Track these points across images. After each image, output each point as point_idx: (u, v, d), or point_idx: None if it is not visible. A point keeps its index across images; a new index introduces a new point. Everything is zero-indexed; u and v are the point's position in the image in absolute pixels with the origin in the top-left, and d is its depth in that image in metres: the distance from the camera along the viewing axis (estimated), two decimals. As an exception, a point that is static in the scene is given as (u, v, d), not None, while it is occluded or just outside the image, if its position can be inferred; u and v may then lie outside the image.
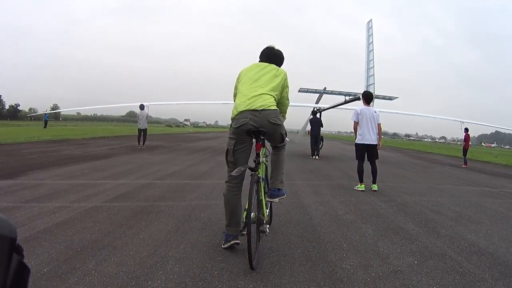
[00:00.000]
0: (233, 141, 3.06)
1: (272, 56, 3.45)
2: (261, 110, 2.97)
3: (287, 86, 3.39)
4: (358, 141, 6.96)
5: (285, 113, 3.61)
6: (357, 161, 7.04)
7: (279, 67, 3.46)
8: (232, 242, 3.08)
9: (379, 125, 6.97)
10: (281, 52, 3.52)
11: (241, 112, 3.00)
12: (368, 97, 7.21)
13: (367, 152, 6.93)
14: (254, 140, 3.11)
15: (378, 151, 7.11)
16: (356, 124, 6.97)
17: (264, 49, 3.48)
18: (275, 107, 3.09)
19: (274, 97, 3.14)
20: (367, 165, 6.93)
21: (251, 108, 2.98)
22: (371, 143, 6.87)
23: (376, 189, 6.78)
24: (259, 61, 3.46)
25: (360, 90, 15.39)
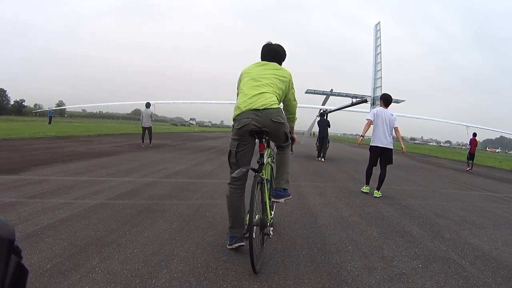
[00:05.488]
0: (235, 142, 3.00)
1: (271, 52, 3.35)
2: (263, 109, 2.91)
3: (293, 87, 3.33)
4: (372, 143, 6.72)
5: (295, 114, 3.52)
6: (368, 162, 6.88)
7: (282, 61, 3.40)
8: (236, 245, 3.07)
9: (396, 128, 6.69)
10: (280, 46, 3.39)
11: (243, 112, 2.94)
12: (386, 100, 6.88)
13: (380, 156, 6.68)
14: (257, 140, 3.07)
15: (402, 153, 6.95)
16: (370, 122, 6.71)
17: (262, 48, 3.37)
18: (277, 106, 3.02)
19: (276, 95, 3.07)
20: (375, 168, 6.82)
21: (253, 108, 2.92)
22: (386, 147, 6.59)
23: (379, 195, 6.49)
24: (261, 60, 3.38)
25: (367, 92, 15.39)
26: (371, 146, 6.80)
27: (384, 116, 6.62)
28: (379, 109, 6.79)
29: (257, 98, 2.95)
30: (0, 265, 0.49)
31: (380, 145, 6.62)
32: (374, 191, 6.60)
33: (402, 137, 7.01)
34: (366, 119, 6.87)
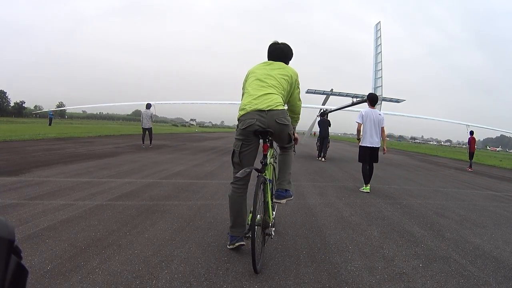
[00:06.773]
0: (239, 143, 3.01)
1: (277, 52, 3.32)
2: (268, 110, 2.90)
3: (298, 87, 3.31)
4: (362, 143, 6.97)
5: (299, 114, 3.51)
6: (361, 163, 7.07)
7: (288, 60, 3.38)
8: (237, 244, 3.07)
9: (382, 128, 6.95)
10: (286, 45, 3.36)
11: (248, 112, 2.93)
12: (373, 99, 7.16)
13: (370, 154, 6.94)
14: (261, 140, 3.06)
15: (383, 154, 7.14)
16: (359, 125, 7.00)
17: (268, 47, 3.34)
18: (282, 107, 3.01)
19: (281, 96, 3.06)
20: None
21: (258, 108, 2.91)
22: (375, 146, 6.89)
23: (368, 190, 6.87)
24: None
25: (368, 92, 15.41)
26: (361, 146, 7.04)
27: (373, 117, 6.85)
28: (367, 110, 6.99)
29: (262, 99, 2.95)
30: (0, 265, 0.50)
31: (369, 145, 6.88)
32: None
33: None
34: (356, 122, 7.10)
